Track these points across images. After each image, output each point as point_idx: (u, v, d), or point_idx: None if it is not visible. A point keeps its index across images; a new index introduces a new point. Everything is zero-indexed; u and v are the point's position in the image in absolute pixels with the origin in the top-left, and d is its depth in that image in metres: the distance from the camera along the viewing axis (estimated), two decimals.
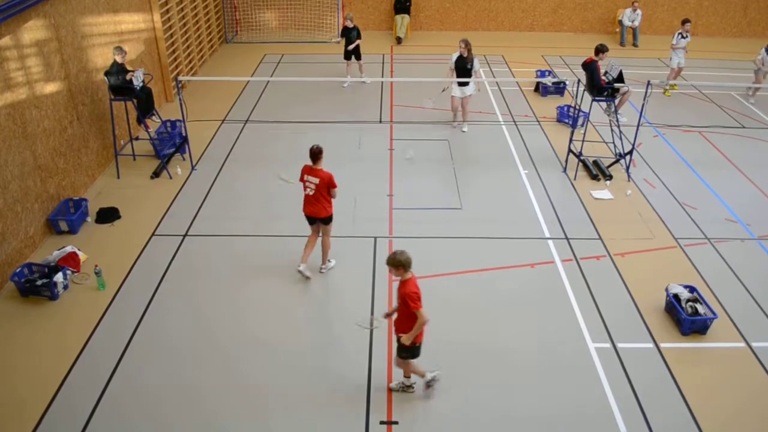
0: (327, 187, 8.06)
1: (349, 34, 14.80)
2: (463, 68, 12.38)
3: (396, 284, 8.32)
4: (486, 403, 6.67)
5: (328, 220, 8.33)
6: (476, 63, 12.53)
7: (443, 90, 13.13)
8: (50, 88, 9.51)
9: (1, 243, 8.26)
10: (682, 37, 14.76)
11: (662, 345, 7.49)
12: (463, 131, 13.11)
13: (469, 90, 12.79)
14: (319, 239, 8.53)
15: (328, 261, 8.72)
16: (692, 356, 7.41)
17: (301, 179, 8.19)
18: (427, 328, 7.50)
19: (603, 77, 11.04)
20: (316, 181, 8.05)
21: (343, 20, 14.96)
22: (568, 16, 20.75)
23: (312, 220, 8.37)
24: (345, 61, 15.31)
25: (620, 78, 11.01)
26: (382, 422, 6.43)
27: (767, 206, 10.56)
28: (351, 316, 7.85)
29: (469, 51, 12.25)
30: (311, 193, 8.14)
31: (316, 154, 8.02)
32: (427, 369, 6.61)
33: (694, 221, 10.03)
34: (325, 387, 6.85)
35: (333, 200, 8.25)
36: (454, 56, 12.41)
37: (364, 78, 15.17)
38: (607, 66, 11.19)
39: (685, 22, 14.88)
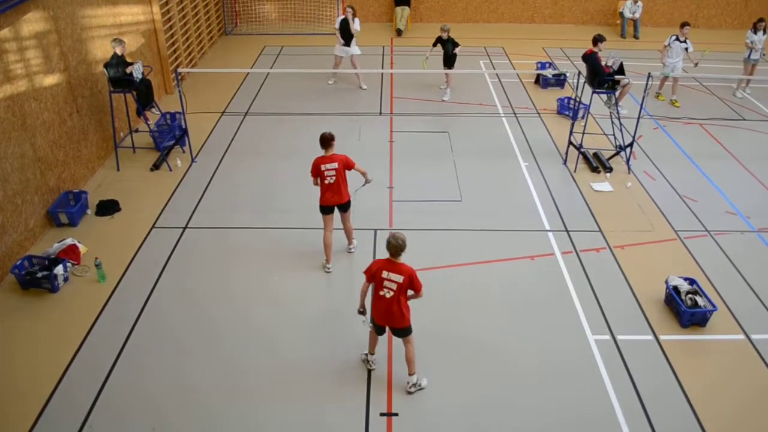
0: (345, 168, 8.06)
1: (446, 45, 14.00)
2: (346, 30, 14.11)
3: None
4: (486, 394, 6.69)
5: (349, 204, 8.38)
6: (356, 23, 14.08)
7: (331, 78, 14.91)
8: (49, 80, 9.48)
9: (1, 235, 8.26)
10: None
11: (662, 337, 7.50)
12: (363, 88, 14.76)
13: (352, 50, 14.40)
14: (331, 234, 8.54)
15: (354, 239, 8.92)
16: (692, 348, 7.42)
17: (317, 172, 8.08)
18: (427, 319, 7.55)
19: (606, 64, 10.98)
20: (335, 165, 8.00)
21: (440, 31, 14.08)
22: (568, 7, 20.67)
23: (331, 209, 8.32)
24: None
25: (621, 70, 10.99)
26: (382, 414, 6.45)
27: (767, 199, 10.55)
28: (351, 309, 7.87)
29: (353, 16, 14.00)
30: (332, 181, 8.07)
31: (328, 140, 8.00)
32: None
33: (694, 213, 10.03)
34: (325, 379, 6.87)
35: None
36: (339, 19, 14.30)
37: (446, 94, 14.50)
38: (607, 57, 11.16)
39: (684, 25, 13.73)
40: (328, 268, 8.56)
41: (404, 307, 6.37)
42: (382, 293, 6.32)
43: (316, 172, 8.10)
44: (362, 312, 6.63)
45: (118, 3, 11.84)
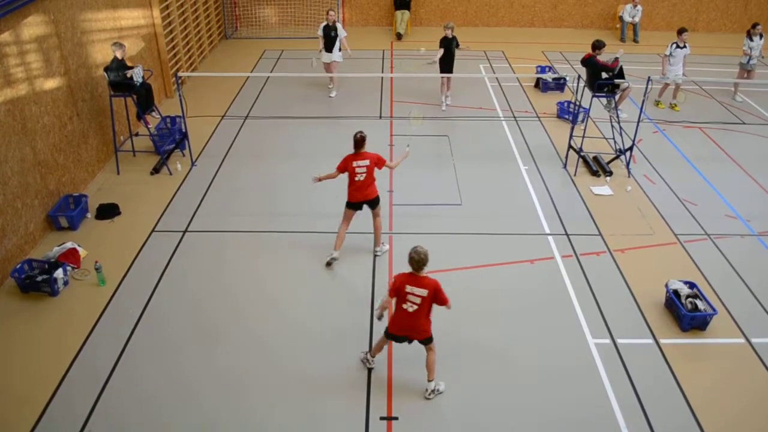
0: (376, 165, 8.27)
1: (450, 44, 13.42)
2: (329, 36, 13.86)
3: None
4: (486, 398, 6.69)
5: (378, 200, 8.50)
6: (340, 30, 13.90)
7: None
8: (50, 84, 9.50)
9: (1, 239, 8.26)
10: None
11: (662, 341, 7.49)
12: (329, 96, 14.45)
13: (333, 56, 14.07)
14: (346, 228, 8.64)
15: (383, 243, 8.93)
16: (692, 352, 7.41)
17: (348, 168, 8.21)
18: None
19: (611, 62, 10.93)
20: (367, 162, 8.19)
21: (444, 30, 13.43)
22: (568, 11, 20.71)
23: (359, 206, 8.45)
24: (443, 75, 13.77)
25: (621, 74, 11.00)
26: (382, 418, 6.44)
27: (767, 202, 10.55)
28: (350, 313, 7.88)
29: (334, 22, 13.84)
30: (362, 179, 8.24)
31: (360, 141, 8.20)
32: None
33: (694, 217, 10.03)
34: (325, 382, 6.87)
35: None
36: (321, 26, 13.97)
37: (448, 100, 14.14)
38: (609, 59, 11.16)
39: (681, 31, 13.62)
40: (334, 256, 8.59)
41: (426, 320, 6.34)
42: (405, 306, 6.26)
43: (344, 168, 8.25)
44: (380, 318, 6.68)
45: (118, 7, 11.87)
